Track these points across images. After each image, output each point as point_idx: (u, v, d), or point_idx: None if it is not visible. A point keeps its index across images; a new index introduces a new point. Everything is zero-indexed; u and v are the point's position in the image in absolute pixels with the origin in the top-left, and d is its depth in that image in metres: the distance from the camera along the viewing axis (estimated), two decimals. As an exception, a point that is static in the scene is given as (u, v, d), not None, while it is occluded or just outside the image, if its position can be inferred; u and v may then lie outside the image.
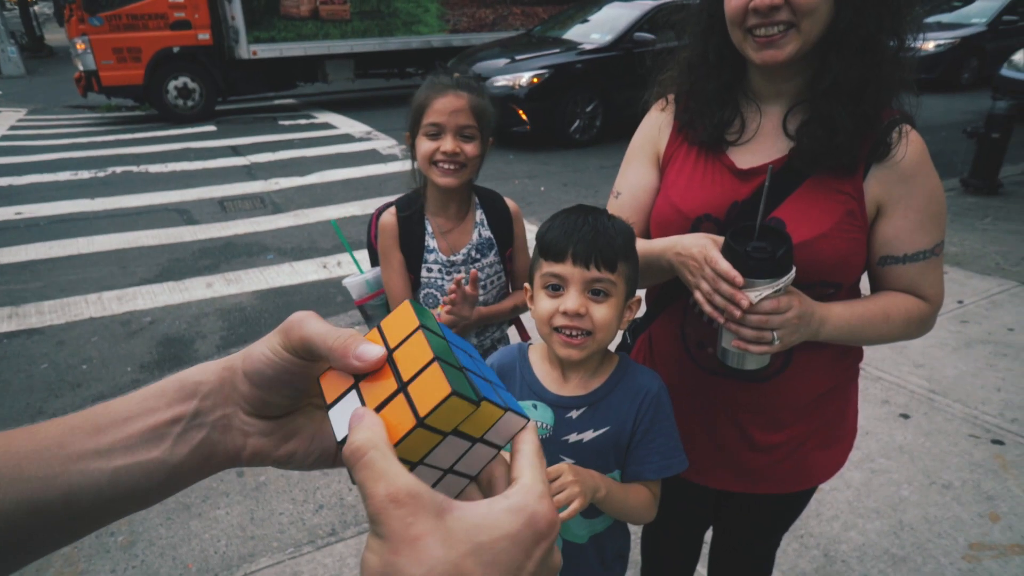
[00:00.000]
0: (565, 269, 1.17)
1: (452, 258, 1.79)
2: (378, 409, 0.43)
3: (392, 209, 1.81)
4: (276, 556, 2.36)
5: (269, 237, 5.69)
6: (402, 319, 0.47)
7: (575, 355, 1.20)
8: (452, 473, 0.45)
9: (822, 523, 2.47)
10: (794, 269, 1.11)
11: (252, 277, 4.89)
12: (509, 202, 1.90)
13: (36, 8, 21.92)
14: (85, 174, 7.66)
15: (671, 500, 1.43)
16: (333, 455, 0.54)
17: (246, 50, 10.55)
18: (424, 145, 1.69)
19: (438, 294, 1.81)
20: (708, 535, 1.75)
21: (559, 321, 1.18)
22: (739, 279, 1.09)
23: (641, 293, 1.35)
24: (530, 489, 0.41)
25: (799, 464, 1.41)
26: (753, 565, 1.68)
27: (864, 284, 1.34)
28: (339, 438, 0.43)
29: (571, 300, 1.16)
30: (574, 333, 1.18)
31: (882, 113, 1.19)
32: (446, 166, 1.68)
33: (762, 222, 1.12)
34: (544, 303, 1.20)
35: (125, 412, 0.47)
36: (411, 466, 0.42)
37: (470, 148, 1.69)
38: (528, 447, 0.45)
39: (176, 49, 10.34)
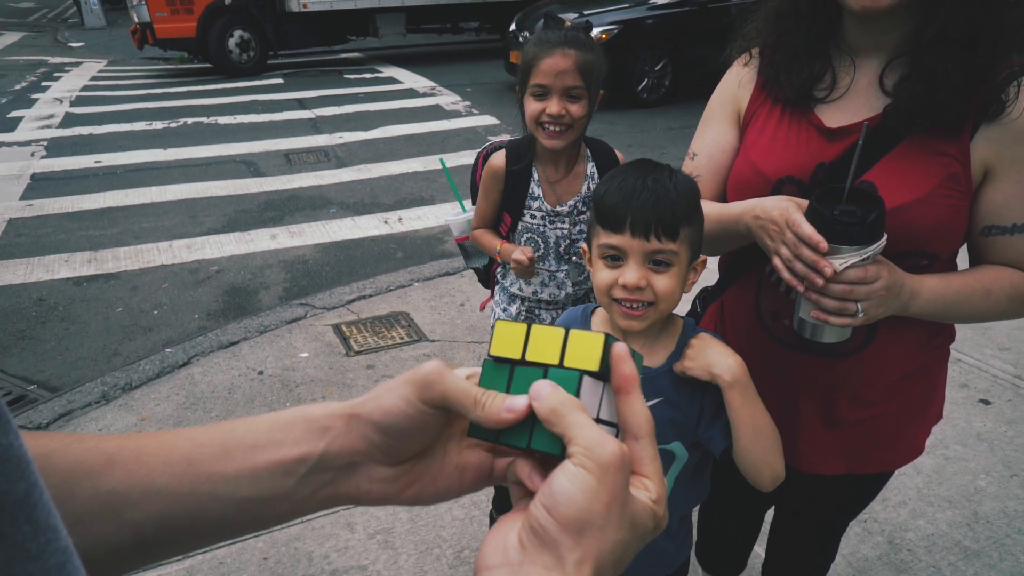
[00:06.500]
0: (623, 241, 1.09)
1: (558, 208, 1.79)
2: None
3: (502, 153, 1.82)
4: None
5: (332, 191, 5.75)
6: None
7: (636, 326, 1.13)
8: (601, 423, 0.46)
9: (888, 509, 2.35)
10: (885, 237, 1.01)
11: (315, 230, 4.96)
12: (619, 154, 1.87)
13: (116, -39, 22.49)
14: (159, 124, 7.89)
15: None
16: (474, 481, 0.53)
17: (296, 2, 10.45)
18: (531, 105, 1.67)
19: (539, 240, 1.83)
20: (768, 515, 1.69)
21: (619, 294, 1.11)
22: (823, 244, 1.00)
23: (713, 260, 1.27)
24: (660, 495, 0.44)
25: (877, 445, 1.32)
26: (817, 548, 1.60)
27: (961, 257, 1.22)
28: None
29: (631, 274, 1.09)
30: (635, 305, 1.11)
31: (997, 66, 1.06)
32: (552, 128, 1.66)
33: (852, 184, 1.02)
34: (603, 273, 1.13)
35: (252, 439, 0.48)
36: None
37: (576, 109, 1.65)
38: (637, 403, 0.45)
39: (227, 0, 10.23)
